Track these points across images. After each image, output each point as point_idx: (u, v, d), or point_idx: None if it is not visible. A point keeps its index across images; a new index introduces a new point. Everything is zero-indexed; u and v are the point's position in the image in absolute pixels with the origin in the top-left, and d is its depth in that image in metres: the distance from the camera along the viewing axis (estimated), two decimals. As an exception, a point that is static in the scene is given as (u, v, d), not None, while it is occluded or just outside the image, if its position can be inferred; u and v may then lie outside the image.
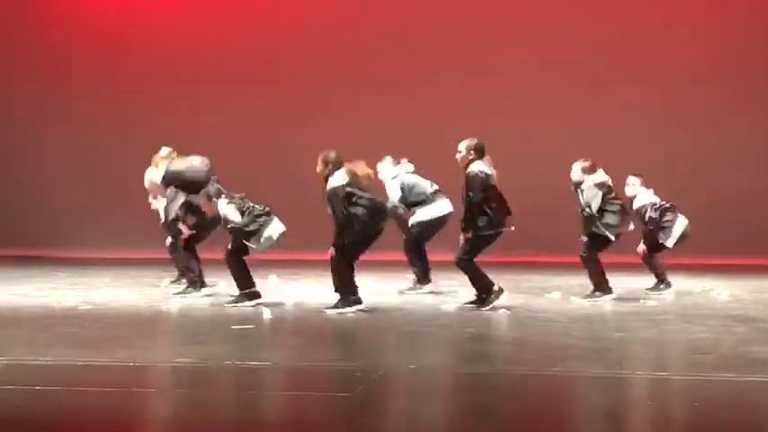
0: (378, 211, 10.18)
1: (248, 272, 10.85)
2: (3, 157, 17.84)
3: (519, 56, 16.56)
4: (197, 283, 11.42)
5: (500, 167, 10.48)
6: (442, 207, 11.75)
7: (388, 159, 11.92)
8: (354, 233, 10.07)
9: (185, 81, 17.28)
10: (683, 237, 11.68)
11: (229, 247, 10.77)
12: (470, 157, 10.33)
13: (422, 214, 11.73)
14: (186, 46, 17.47)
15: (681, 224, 11.68)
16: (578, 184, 11.27)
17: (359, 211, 10.05)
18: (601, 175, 11.22)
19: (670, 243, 11.64)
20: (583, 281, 11.51)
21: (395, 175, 11.83)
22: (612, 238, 11.13)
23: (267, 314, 10.20)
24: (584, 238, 11.23)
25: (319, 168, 10.25)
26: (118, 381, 7.07)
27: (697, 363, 7.87)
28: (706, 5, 16.60)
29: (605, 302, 11.08)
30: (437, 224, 11.76)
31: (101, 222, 17.04)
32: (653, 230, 11.64)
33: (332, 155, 10.23)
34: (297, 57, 17.16)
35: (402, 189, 11.73)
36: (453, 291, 11.79)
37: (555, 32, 16.61)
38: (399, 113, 15.99)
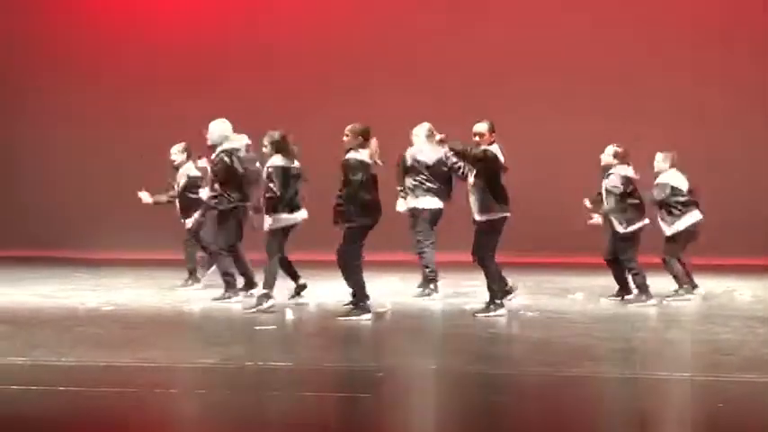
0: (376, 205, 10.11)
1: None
2: (18, 158, 17.95)
3: (526, 56, 16.55)
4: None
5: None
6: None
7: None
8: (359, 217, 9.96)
9: (201, 80, 17.33)
10: (687, 232, 11.57)
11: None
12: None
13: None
14: (196, 46, 17.53)
15: (689, 220, 11.55)
16: (606, 168, 11.24)
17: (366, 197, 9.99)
18: (627, 169, 11.14)
19: (668, 231, 11.52)
20: (603, 281, 11.45)
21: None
22: (624, 229, 11.05)
23: (289, 315, 10.21)
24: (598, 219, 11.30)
25: (348, 139, 10.04)
26: (140, 381, 7.08)
27: (720, 364, 7.83)
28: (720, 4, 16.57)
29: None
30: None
31: (119, 223, 17.06)
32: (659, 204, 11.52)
33: (363, 128, 10.07)
34: (293, 56, 17.19)
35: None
36: (474, 291, 11.78)
37: (560, 31, 16.58)
38: (396, 114, 15.85)
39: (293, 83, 17.03)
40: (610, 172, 11.11)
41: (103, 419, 6.21)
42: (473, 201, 10.11)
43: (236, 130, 11.48)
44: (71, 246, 17.11)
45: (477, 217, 10.08)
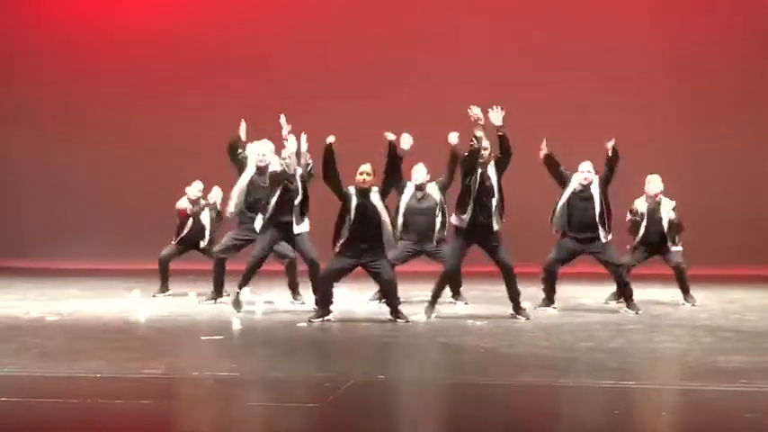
0: None
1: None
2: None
3: (521, 62, 16.70)
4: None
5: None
6: None
7: None
8: None
9: (159, 91, 17.26)
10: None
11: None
12: None
13: None
14: (161, 60, 17.44)
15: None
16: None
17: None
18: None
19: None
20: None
21: None
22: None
23: (237, 324, 10.17)
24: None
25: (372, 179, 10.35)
26: (83, 392, 7.01)
27: (664, 372, 7.90)
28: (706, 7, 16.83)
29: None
30: None
31: (68, 233, 16.95)
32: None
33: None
34: (290, 59, 17.19)
35: None
36: (424, 301, 11.80)
37: (554, 36, 16.77)
38: (389, 118, 15.82)
39: (290, 86, 17.00)
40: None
41: (46, 430, 6.14)
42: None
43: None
44: (17, 255, 16.94)
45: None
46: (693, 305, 11.83)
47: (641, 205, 11.93)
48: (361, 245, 10.26)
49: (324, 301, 10.39)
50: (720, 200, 16.00)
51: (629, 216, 11.95)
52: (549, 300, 11.37)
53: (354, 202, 10.21)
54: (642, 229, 11.85)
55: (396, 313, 10.38)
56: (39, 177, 17.59)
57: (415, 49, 16.96)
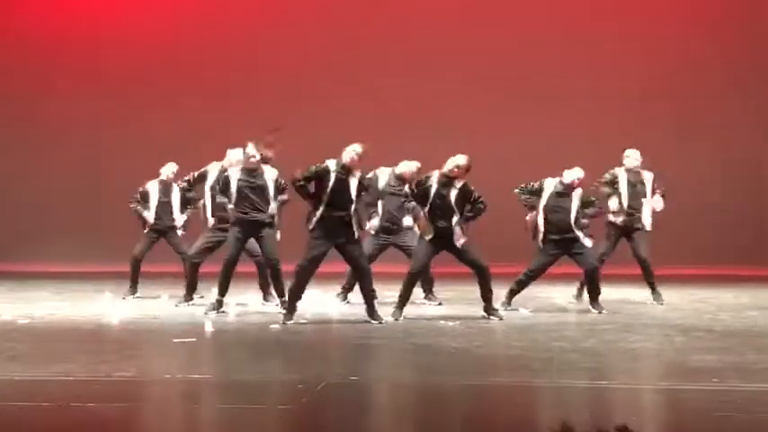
0: None
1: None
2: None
3: (502, 72, 16.77)
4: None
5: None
6: None
7: None
8: None
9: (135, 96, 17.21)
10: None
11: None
12: None
13: None
14: (141, 65, 17.37)
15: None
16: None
17: None
18: None
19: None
20: (523, 292, 11.53)
21: None
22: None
23: (209, 327, 10.14)
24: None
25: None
26: (55, 395, 6.97)
27: (637, 371, 7.93)
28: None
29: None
30: None
31: (40, 235, 16.84)
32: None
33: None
34: (288, 66, 17.17)
35: None
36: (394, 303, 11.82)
37: (548, 33, 16.85)
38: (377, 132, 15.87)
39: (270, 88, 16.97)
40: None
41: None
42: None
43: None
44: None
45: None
46: (661, 304, 11.89)
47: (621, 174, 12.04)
48: (335, 225, 10.17)
49: (296, 294, 10.30)
50: (691, 200, 16.06)
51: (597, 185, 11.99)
52: (510, 300, 11.41)
53: (333, 177, 10.15)
54: (621, 202, 11.93)
55: (371, 311, 10.36)
56: (8, 180, 17.46)
57: (414, 47, 16.98)
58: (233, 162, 11.27)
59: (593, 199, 11.57)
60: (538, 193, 11.32)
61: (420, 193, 10.57)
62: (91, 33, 17.57)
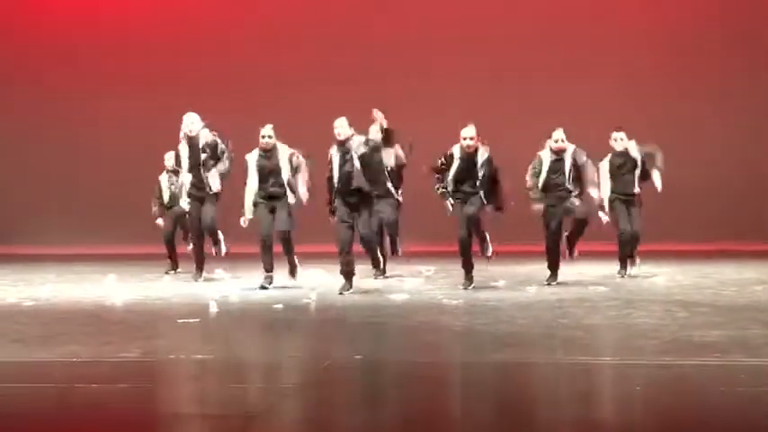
0: None
1: None
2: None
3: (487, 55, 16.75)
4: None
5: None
6: None
7: None
8: None
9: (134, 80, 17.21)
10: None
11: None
12: None
13: None
14: (136, 46, 17.36)
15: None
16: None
17: None
18: None
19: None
20: (525, 269, 11.55)
21: None
22: None
23: (213, 307, 10.16)
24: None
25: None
26: (59, 377, 7.00)
27: (640, 347, 7.93)
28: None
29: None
30: None
31: (44, 218, 16.89)
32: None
33: None
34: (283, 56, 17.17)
35: None
36: (401, 281, 11.84)
37: (545, 20, 16.86)
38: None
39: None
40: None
41: (22, 416, 6.12)
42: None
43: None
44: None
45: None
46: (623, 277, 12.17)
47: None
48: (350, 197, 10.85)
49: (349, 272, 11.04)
50: (693, 175, 16.04)
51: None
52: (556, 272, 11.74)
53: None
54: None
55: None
56: (12, 163, 17.50)
57: (412, 46, 16.98)
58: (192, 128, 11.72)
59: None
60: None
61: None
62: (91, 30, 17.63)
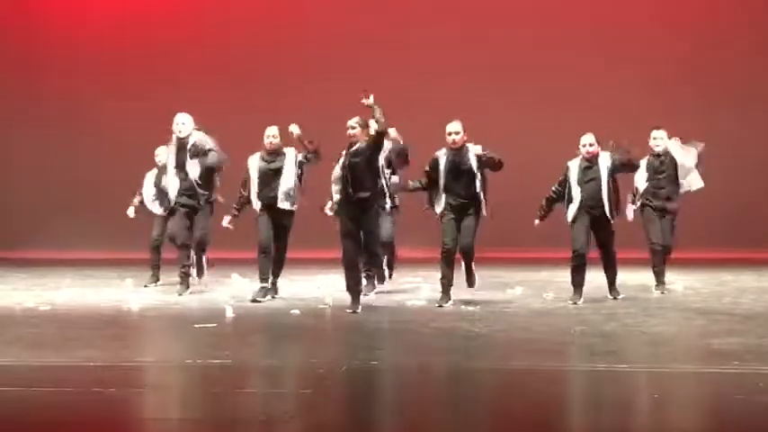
0: None
1: None
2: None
3: (497, 58, 16.74)
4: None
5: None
6: None
7: None
8: None
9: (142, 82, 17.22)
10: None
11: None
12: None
13: None
14: (136, 47, 17.40)
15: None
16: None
17: None
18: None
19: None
20: (543, 276, 11.52)
21: None
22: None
23: (230, 312, 10.16)
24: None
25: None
26: (76, 381, 7.01)
27: (657, 355, 7.91)
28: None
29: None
30: None
31: (60, 223, 16.90)
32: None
33: None
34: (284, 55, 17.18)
35: None
36: (417, 287, 11.83)
37: (556, 16, 16.82)
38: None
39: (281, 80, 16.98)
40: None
41: (38, 419, 6.13)
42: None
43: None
44: (8, 246, 16.89)
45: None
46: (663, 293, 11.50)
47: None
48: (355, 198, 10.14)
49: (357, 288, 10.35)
50: (712, 183, 15.98)
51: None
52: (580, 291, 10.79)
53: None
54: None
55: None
56: (31, 167, 17.55)
57: (411, 43, 16.97)
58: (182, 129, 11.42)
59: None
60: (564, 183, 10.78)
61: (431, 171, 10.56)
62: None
